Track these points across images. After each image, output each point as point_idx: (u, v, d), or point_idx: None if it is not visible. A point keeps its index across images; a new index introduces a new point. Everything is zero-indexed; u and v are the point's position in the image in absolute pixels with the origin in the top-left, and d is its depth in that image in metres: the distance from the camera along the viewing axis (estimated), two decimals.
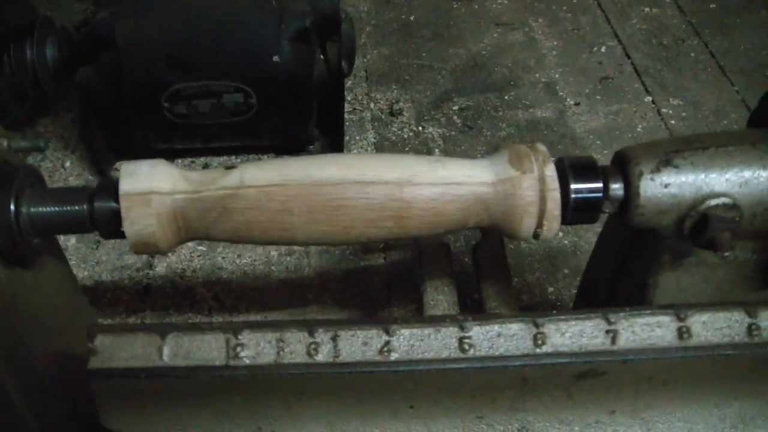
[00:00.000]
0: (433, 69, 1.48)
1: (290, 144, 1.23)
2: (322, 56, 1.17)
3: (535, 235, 0.59)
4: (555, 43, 1.55)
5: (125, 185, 0.56)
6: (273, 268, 1.07)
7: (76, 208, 0.58)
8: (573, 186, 0.58)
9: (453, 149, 1.29)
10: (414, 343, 0.52)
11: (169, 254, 1.09)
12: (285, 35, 1.10)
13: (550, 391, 0.55)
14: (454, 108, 1.38)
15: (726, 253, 0.58)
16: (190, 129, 1.16)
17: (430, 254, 0.87)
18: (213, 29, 1.11)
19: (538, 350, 0.52)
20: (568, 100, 1.40)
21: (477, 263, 0.89)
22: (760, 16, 1.60)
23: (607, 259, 0.73)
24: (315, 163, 0.58)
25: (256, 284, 1.05)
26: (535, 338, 0.52)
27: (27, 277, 0.61)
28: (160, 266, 1.08)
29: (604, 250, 0.75)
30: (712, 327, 0.52)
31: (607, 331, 0.53)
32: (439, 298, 0.82)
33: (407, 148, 1.29)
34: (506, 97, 1.40)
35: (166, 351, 0.51)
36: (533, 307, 1.02)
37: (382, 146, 1.29)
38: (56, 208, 0.58)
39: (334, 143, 1.25)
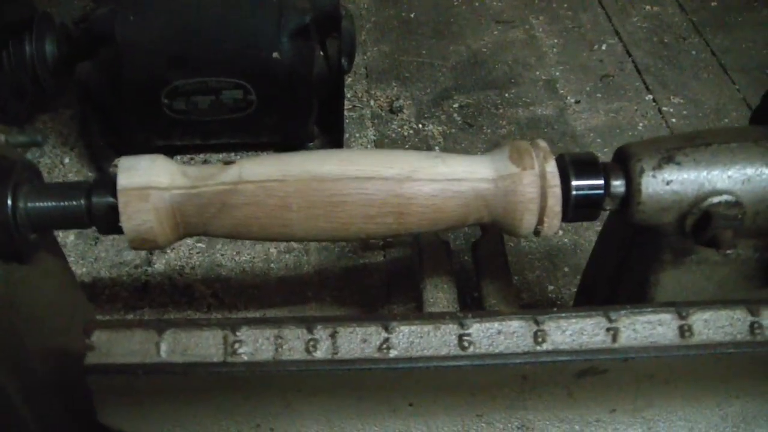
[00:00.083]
0: (433, 66, 1.47)
1: (290, 141, 1.23)
2: (321, 53, 1.16)
3: (536, 232, 0.59)
4: (555, 40, 1.55)
5: (123, 180, 0.56)
6: (272, 265, 1.07)
7: (74, 203, 0.57)
8: (574, 182, 0.58)
9: (453, 147, 1.29)
10: (413, 340, 0.52)
11: (168, 251, 1.08)
12: (285, 32, 1.10)
13: (551, 390, 0.55)
14: (454, 105, 1.37)
15: (728, 251, 0.58)
16: (190, 125, 1.16)
17: (429, 252, 0.87)
18: (212, 25, 1.11)
19: (538, 348, 0.52)
20: (568, 98, 1.40)
21: (477, 261, 0.89)
22: (761, 15, 1.60)
23: (608, 257, 0.73)
24: (314, 159, 0.57)
25: (255, 282, 1.05)
26: (535, 336, 0.52)
27: (24, 272, 0.60)
28: (159, 263, 1.07)
29: (605, 247, 0.75)
30: (714, 325, 0.52)
31: (608, 329, 0.52)
32: (439, 295, 0.82)
33: (407, 146, 1.29)
34: (506, 95, 1.40)
35: (163, 347, 0.50)
36: (533, 305, 1.02)
37: (382, 144, 1.29)
38: (53, 203, 0.57)
39: (334, 140, 1.25)
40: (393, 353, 0.51)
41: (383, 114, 1.36)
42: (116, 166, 0.57)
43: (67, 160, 1.24)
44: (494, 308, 0.82)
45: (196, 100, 1.12)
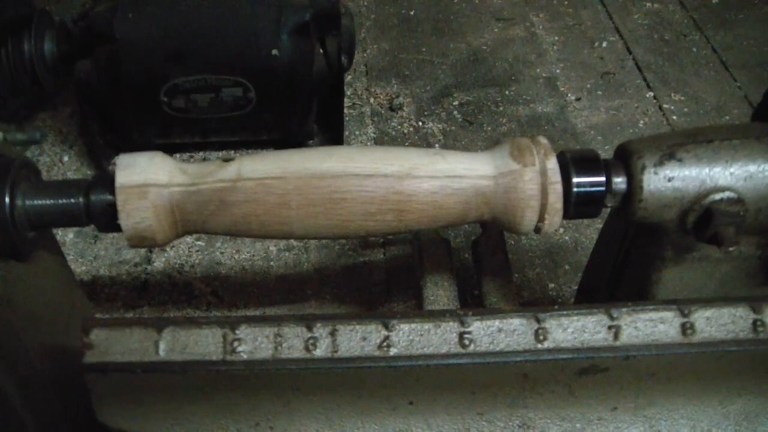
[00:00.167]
0: (433, 64, 1.47)
1: (290, 139, 1.22)
2: (321, 50, 1.16)
3: (537, 229, 0.58)
4: (556, 38, 1.54)
5: (121, 177, 0.55)
6: (272, 263, 1.07)
7: (72, 200, 0.57)
8: (575, 179, 0.58)
9: (453, 145, 1.28)
10: (413, 338, 0.51)
11: (168, 249, 1.08)
12: (284, 29, 1.09)
13: (552, 388, 0.54)
14: (454, 103, 1.37)
15: (730, 249, 0.58)
16: (189, 123, 1.15)
17: (430, 250, 0.87)
18: (212, 23, 1.10)
19: (539, 346, 0.51)
20: (569, 95, 1.40)
21: (477, 259, 0.89)
22: (762, 12, 1.60)
23: (609, 255, 0.73)
24: (313, 156, 0.57)
25: (254, 280, 1.05)
26: (536, 333, 0.51)
27: (22, 270, 0.60)
28: (159, 261, 1.07)
29: (606, 245, 0.75)
30: (716, 323, 0.52)
31: (610, 327, 0.52)
32: (439, 293, 0.82)
33: (407, 144, 1.29)
34: (507, 93, 1.40)
35: (162, 345, 0.50)
36: (534, 303, 1.02)
37: (382, 141, 1.29)
38: (52, 201, 0.57)
39: (334, 138, 1.24)
40: (393, 351, 0.51)
41: (383, 112, 1.35)
42: (116, 164, 0.57)
43: (66, 159, 1.23)
44: (495, 306, 0.81)
45: (195, 97, 1.11)
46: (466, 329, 0.51)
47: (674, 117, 1.34)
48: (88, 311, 0.76)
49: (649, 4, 1.63)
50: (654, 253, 0.64)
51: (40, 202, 0.57)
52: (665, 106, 1.36)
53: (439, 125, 1.32)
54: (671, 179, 0.57)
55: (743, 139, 0.58)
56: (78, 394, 0.54)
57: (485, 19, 1.59)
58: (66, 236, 1.10)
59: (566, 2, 1.64)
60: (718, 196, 0.57)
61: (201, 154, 1.25)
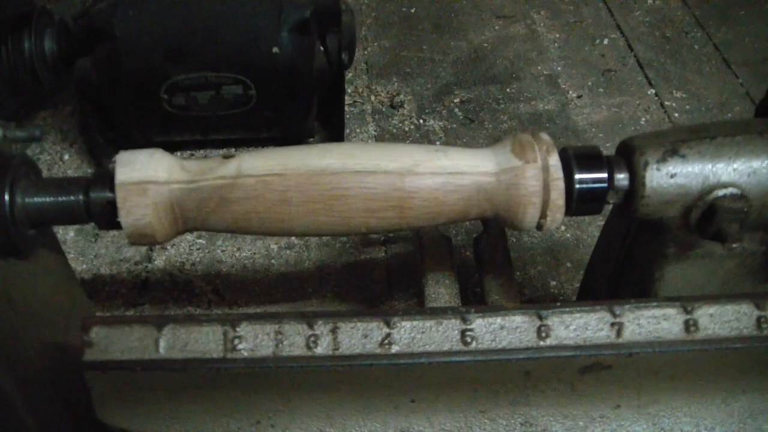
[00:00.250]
0: (434, 61, 1.46)
1: (290, 136, 1.22)
2: (322, 48, 1.15)
3: (539, 226, 0.58)
4: (557, 35, 1.54)
5: (121, 175, 0.55)
6: (273, 261, 1.07)
7: (72, 198, 0.57)
8: (577, 176, 0.57)
9: (454, 142, 1.28)
10: (415, 335, 0.51)
11: (169, 247, 1.08)
12: (285, 26, 1.09)
13: (554, 385, 0.54)
14: (455, 101, 1.37)
15: (733, 245, 0.57)
16: (189, 121, 1.15)
17: (431, 247, 0.86)
18: (212, 20, 1.10)
19: (541, 343, 0.51)
20: (570, 92, 1.39)
21: (479, 256, 0.88)
22: (764, 8, 1.59)
23: (611, 252, 0.72)
24: (314, 153, 0.56)
25: (255, 278, 1.04)
26: (538, 331, 0.51)
27: (22, 268, 0.60)
28: (159, 260, 1.07)
29: (608, 242, 0.74)
30: (720, 320, 0.51)
31: (612, 324, 0.51)
32: (441, 291, 0.82)
33: (408, 141, 1.28)
34: (508, 90, 1.39)
35: (162, 343, 0.50)
36: (535, 301, 1.01)
37: (383, 139, 1.28)
38: (52, 199, 0.57)
39: (335, 136, 1.24)
40: (394, 349, 0.50)
41: (384, 109, 1.35)
42: (115, 161, 0.57)
43: (66, 157, 1.23)
44: (497, 304, 0.81)
45: (195, 95, 1.11)
46: (468, 326, 0.51)
47: (676, 114, 1.34)
48: (88, 309, 0.76)
49: (650, 1, 1.62)
50: (657, 250, 0.64)
51: (39, 199, 0.56)
52: (667, 103, 1.36)
53: (440, 123, 1.32)
54: (674, 175, 0.57)
55: (746, 135, 0.57)
56: (78, 392, 0.54)
57: (486, 17, 1.58)
58: (67, 234, 1.09)
59: None
60: (721, 193, 0.57)
61: (202, 152, 1.25)
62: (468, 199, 0.56)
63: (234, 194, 0.55)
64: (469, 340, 0.51)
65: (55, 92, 1.25)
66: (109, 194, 0.55)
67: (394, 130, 1.30)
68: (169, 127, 1.17)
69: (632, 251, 0.68)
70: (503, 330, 0.51)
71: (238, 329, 0.50)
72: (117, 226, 0.56)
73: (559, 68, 1.45)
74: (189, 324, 0.50)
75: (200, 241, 1.09)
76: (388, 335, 0.51)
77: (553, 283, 1.04)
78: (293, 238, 1.09)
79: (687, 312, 0.51)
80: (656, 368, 0.53)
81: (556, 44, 1.51)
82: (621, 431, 0.56)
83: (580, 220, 1.12)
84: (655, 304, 0.52)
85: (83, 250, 1.08)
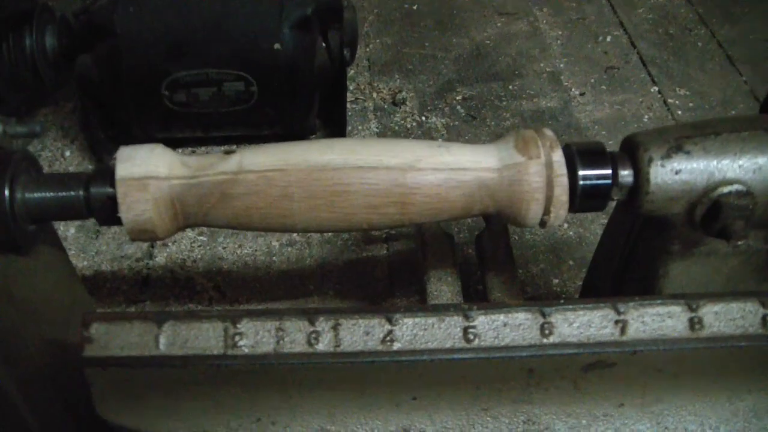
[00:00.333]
0: (436, 58, 1.46)
1: (292, 134, 1.22)
2: (323, 44, 1.15)
3: (542, 223, 0.57)
4: (560, 32, 1.53)
5: (122, 170, 0.55)
6: (274, 258, 1.06)
7: (72, 193, 0.56)
8: (581, 172, 0.57)
9: (456, 139, 1.28)
10: (417, 332, 0.51)
11: (169, 244, 1.08)
12: (286, 23, 1.09)
13: (557, 383, 0.54)
14: (457, 98, 1.36)
15: (738, 242, 0.57)
16: (190, 118, 1.15)
17: (433, 244, 0.86)
18: (213, 16, 1.10)
19: (545, 341, 0.51)
20: (573, 90, 1.39)
21: (481, 253, 0.88)
22: None
23: (615, 249, 0.72)
24: (316, 148, 0.56)
25: (257, 275, 1.04)
26: (542, 328, 0.51)
27: (22, 264, 0.59)
28: (161, 256, 1.06)
29: (612, 239, 0.74)
30: (725, 318, 0.51)
31: (616, 322, 0.51)
32: (443, 288, 0.81)
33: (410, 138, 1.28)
34: (510, 87, 1.39)
35: (162, 340, 0.49)
36: (538, 298, 1.01)
37: (385, 136, 1.28)
38: (52, 194, 0.57)
39: (336, 133, 1.24)
40: (396, 346, 0.50)
41: (386, 106, 1.35)
42: (116, 157, 0.56)
43: (68, 153, 1.23)
44: (499, 301, 0.81)
45: (196, 92, 1.11)
46: (471, 324, 0.51)
47: (679, 112, 1.33)
48: (89, 306, 0.76)
49: None
50: (661, 247, 0.63)
51: (40, 194, 0.56)
52: (670, 100, 1.35)
53: (442, 120, 1.31)
54: (679, 172, 0.56)
55: (752, 131, 0.57)
56: (78, 390, 0.54)
57: (488, 14, 1.58)
58: (68, 231, 1.09)
59: None
60: (726, 189, 0.56)
61: (203, 148, 1.24)
62: (470, 196, 0.56)
63: (235, 190, 0.55)
64: (471, 337, 0.50)
65: (56, 89, 1.24)
66: (110, 189, 0.55)
67: (396, 128, 1.30)
68: (170, 124, 1.17)
69: (636, 248, 0.67)
70: (506, 327, 0.51)
71: (238, 326, 0.50)
72: (117, 221, 0.56)
73: (561, 65, 1.44)
74: (189, 320, 0.50)
75: (201, 238, 1.09)
76: (389, 332, 0.50)
77: (556, 281, 1.03)
78: (295, 234, 1.08)
79: (692, 310, 0.51)
80: (660, 366, 0.53)
81: (558, 41, 1.51)
82: (624, 430, 0.56)
83: (583, 218, 1.11)
84: (659, 301, 0.51)
85: (84, 246, 1.08)
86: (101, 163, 1.20)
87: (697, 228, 0.59)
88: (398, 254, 1.07)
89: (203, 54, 1.09)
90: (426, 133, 1.29)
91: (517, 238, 1.08)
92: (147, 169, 0.54)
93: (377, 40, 1.51)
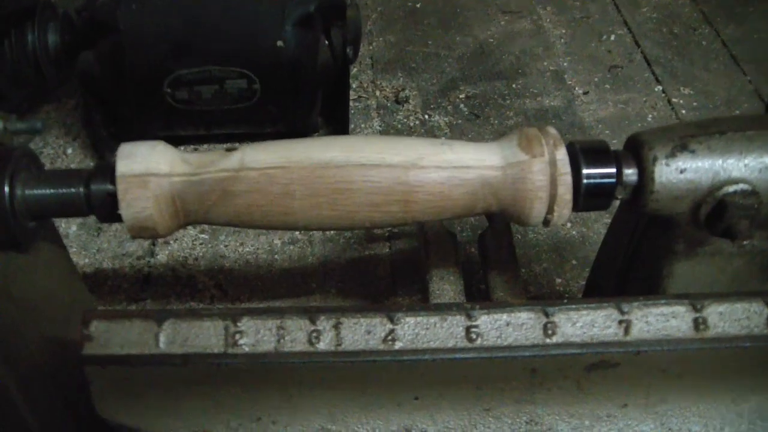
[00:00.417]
0: (439, 57, 1.45)
1: (294, 131, 1.21)
2: (326, 42, 1.15)
3: (545, 222, 0.57)
4: (563, 31, 1.53)
5: (122, 167, 0.54)
6: (276, 256, 1.06)
7: (72, 190, 0.56)
8: (585, 171, 0.56)
9: (459, 138, 1.27)
10: (419, 331, 0.50)
11: (171, 242, 1.07)
12: (289, 20, 1.08)
13: (560, 383, 0.53)
14: (460, 96, 1.36)
15: (744, 242, 0.56)
16: (193, 115, 1.14)
17: (436, 243, 0.85)
18: (216, 14, 1.09)
19: (548, 340, 0.50)
20: (576, 88, 1.38)
21: (484, 252, 0.88)
22: None
23: (618, 249, 0.71)
24: (318, 145, 0.56)
25: (258, 273, 1.04)
26: (545, 328, 0.50)
27: (22, 261, 0.59)
28: (162, 254, 1.06)
29: (615, 238, 0.73)
30: (730, 318, 0.50)
31: (620, 321, 0.51)
32: (445, 287, 0.81)
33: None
34: (514, 86, 1.38)
35: (162, 338, 0.49)
36: (541, 298, 1.01)
37: (388, 134, 1.27)
38: (52, 191, 0.56)
39: (339, 131, 1.23)
40: (398, 345, 0.50)
41: (389, 104, 1.34)
42: (117, 153, 0.56)
43: (70, 151, 1.23)
44: (502, 300, 0.80)
45: (199, 89, 1.10)
46: (473, 323, 0.50)
47: (683, 111, 1.32)
48: (89, 303, 0.75)
49: None
50: (665, 247, 0.63)
51: (40, 191, 0.56)
52: (674, 100, 1.35)
53: (445, 118, 1.31)
54: (683, 171, 0.56)
55: (757, 130, 0.57)
56: (78, 387, 0.53)
57: (492, 12, 1.57)
58: (69, 228, 1.09)
59: None
60: (731, 189, 0.56)
61: (205, 146, 1.24)
62: (473, 194, 0.56)
63: (236, 187, 0.54)
64: (474, 336, 0.50)
65: (59, 86, 1.24)
66: (110, 186, 0.55)
67: (399, 126, 1.29)
68: (173, 122, 1.16)
69: (640, 248, 0.67)
70: (509, 327, 0.50)
71: (239, 324, 0.49)
72: (117, 218, 0.55)
73: (565, 64, 1.44)
74: (190, 318, 0.50)
75: (203, 236, 1.08)
76: (391, 331, 0.50)
77: (559, 280, 1.03)
78: (297, 233, 1.08)
79: (696, 310, 0.51)
80: (664, 367, 0.52)
81: (562, 40, 1.50)
82: (628, 431, 0.55)
83: (586, 218, 1.11)
84: (663, 301, 0.51)
85: (86, 244, 1.07)
86: (103, 160, 1.20)
87: (702, 227, 0.58)
88: (401, 253, 1.06)
89: (206, 51, 1.08)
90: (429, 132, 1.28)
91: (520, 237, 1.07)
92: (148, 166, 0.54)
93: (380, 38, 1.50)
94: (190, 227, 1.08)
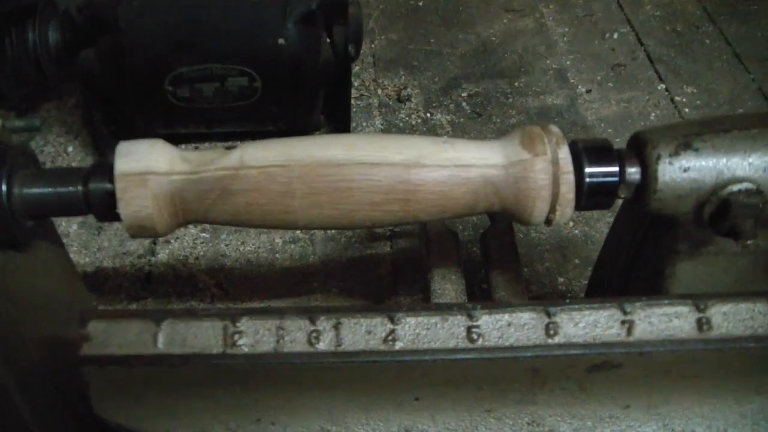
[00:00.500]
0: (441, 55, 1.45)
1: (295, 130, 1.21)
2: (328, 40, 1.14)
3: (548, 221, 0.56)
4: (566, 29, 1.52)
5: (121, 165, 0.54)
6: (277, 255, 1.05)
7: (71, 189, 0.55)
8: (587, 169, 0.56)
9: (461, 136, 1.27)
10: (420, 332, 0.50)
11: (172, 241, 1.07)
12: (291, 18, 1.08)
13: (562, 384, 0.53)
14: (463, 95, 1.35)
15: (748, 242, 0.56)
16: (194, 113, 1.14)
17: (437, 242, 0.85)
18: (217, 11, 1.09)
19: (550, 341, 0.50)
20: (579, 87, 1.38)
21: (486, 252, 0.87)
22: None
23: (621, 248, 0.71)
24: (319, 143, 0.55)
25: (259, 272, 1.03)
26: (546, 328, 0.50)
27: (21, 261, 0.59)
28: (163, 253, 1.06)
29: (618, 238, 0.73)
30: (734, 318, 0.50)
31: (623, 322, 0.50)
32: (447, 287, 0.80)
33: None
34: (516, 84, 1.38)
35: (161, 338, 0.49)
36: (543, 297, 1.00)
37: (389, 133, 1.27)
38: (50, 189, 0.56)
39: (341, 130, 1.23)
40: (399, 345, 0.49)
41: (391, 103, 1.34)
42: (115, 152, 0.56)
43: (70, 149, 1.22)
44: (504, 300, 0.80)
45: (200, 87, 1.10)
46: (475, 323, 0.50)
47: (686, 110, 1.32)
48: (88, 303, 0.75)
49: None
50: (668, 246, 0.62)
51: (38, 190, 0.55)
52: (677, 98, 1.34)
53: (447, 117, 1.30)
54: (687, 170, 0.55)
55: (762, 128, 0.56)
56: (77, 388, 0.53)
57: (494, 10, 1.57)
58: (70, 227, 1.08)
59: None
60: (735, 188, 0.55)
61: (206, 144, 1.24)
62: (475, 193, 0.55)
63: (236, 186, 0.54)
64: (475, 337, 0.50)
65: (59, 84, 1.24)
66: (108, 185, 0.54)
67: (401, 124, 1.29)
68: (174, 120, 1.16)
69: (643, 247, 0.66)
70: (510, 327, 0.50)
71: (238, 324, 0.49)
72: (116, 217, 0.55)
73: (568, 62, 1.43)
74: (188, 318, 0.49)
75: (204, 234, 1.08)
76: (392, 331, 0.49)
77: (561, 279, 1.03)
78: (298, 232, 1.08)
79: (700, 310, 0.50)
80: (668, 367, 0.52)
81: (565, 38, 1.50)
82: None
83: (589, 217, 1.10)
84: (666, 301, 0.50)
85: (86, 243, 1.07)
86: (104, 158, 1.20)
87: (706, 227, 0.57)
88: (402, 252, 1.06)
89: (207, 49, 1.08)
90: (431, 130, 1.28)
91: (522, 236, 1.07)
92: (147, 165, 0.54)
93: (382, 36, 1.50)
94: (191, 226, 1.08)
